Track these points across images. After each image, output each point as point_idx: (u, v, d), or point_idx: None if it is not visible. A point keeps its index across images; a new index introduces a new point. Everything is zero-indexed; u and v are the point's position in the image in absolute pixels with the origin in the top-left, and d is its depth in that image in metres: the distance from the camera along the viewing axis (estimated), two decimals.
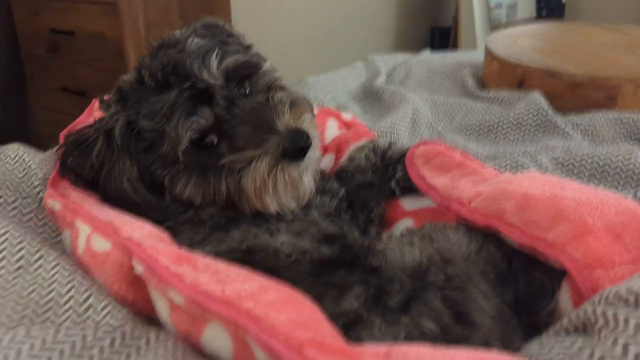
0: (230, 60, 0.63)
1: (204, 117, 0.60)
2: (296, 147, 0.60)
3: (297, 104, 0.65)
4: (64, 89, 2.18)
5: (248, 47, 0.72)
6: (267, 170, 0.60)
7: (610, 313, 0.40)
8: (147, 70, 0.62)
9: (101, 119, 0.64)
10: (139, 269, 0.46)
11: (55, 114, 2.26)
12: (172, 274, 0.43)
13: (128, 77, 0.66)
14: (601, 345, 0.38)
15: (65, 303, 0.48)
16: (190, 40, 0.65)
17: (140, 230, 0.53)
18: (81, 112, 0.81)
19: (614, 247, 0.53)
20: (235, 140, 0.61)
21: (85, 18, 1.99)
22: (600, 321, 0.40)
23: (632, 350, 0.36)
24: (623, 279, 0.50)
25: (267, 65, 0.69)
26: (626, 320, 0.38)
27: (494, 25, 3.15)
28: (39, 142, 0.77)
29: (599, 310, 0.41)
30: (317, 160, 0.67)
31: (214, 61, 0.62)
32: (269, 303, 0.40)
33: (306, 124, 0.64)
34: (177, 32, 0.68)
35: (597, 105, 1.11)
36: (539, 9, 3.27)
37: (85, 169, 0.63)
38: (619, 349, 0.37)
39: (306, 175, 0.64)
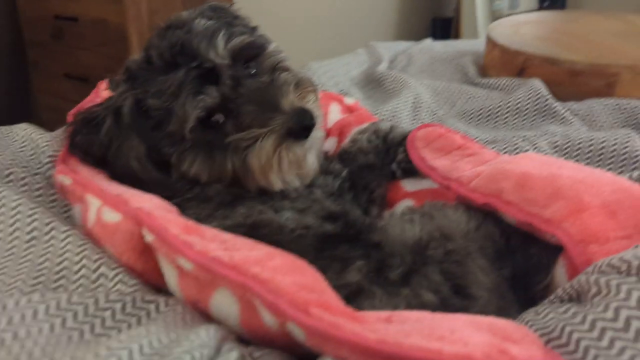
0: (237, 41, 0.64)
1: (210, 96, 0.61)
2: (301, 126, 0.62)
3: (302, 84, 0.66)
4: (67, 75, 2.19)
5: (254, 29, 0.73)
6: (273, 148, 0.62)
7: (603, 280, 0.42)
8: (155, 50, 0.64)
9: (110, 98, 0.66)
10: (149, 237, 0.48)
11: (58, 100, 2.27)
12: (181, 242, 0.45)
13: (136, 57, 0.67)
14: (594, 310, 0.40)
15: (78, 272, 0.50)
16: (197, 21, 0.66)
17: (150, 202, 0.54)
18: (84, 98, 0.82)
19: (609, 223, 0.55)
20: (241, 119, 0.62)
21: (88, 4, 2.00)
22: (594, 289, 0.42)
23: (624, 313, 0.38)
24: (617, 253, 0.52)
25: (272, 47, 0.70)
26: (618, 287, 0.40)
27: (496, 16, 3.14)
28: (42, 128, 0.78)
29: (592, 279, 0.43)
30: (320, 140, 0.69)
31: (220, 41, 0.63)
32: (275, 268, 0.42)
33: (311, 103, 0.65)
34: (184, 14, 0.69)
35: (597, 92, 1.13)
36: (541, 0, 3.26)
37: (94, 147, 0.65)
38: (610, 313, 0.38)
39: (310, 154, 0.66)
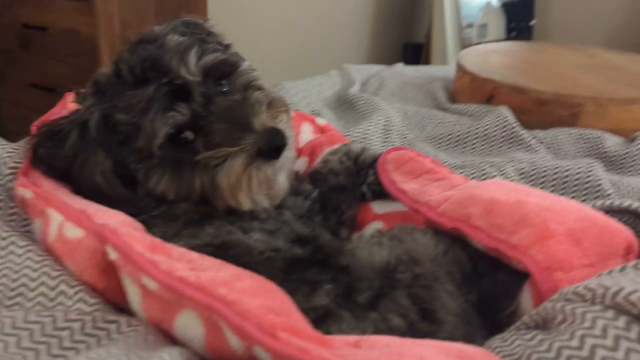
0: (209, 58, 0.63)
1: (180, 113, 0.60)
2: (272, 146, 0.61)
3: (274, 104, 0.66)
4: (33, 85, 2.14)
5: (227, 46, 0.72)
6: (242, 167, 0.61)
7: (568, 308, 0.42)
8: (126, 64, 0.62)
9: (76, 111, 0.64)
10: (113, 255, 0.46)
11: (24, 110, 2.22)
12: (146, 260, 0.44)
13: (106, 70, 0.66)
14: (559, 338, 0.40)
15: (36, 289, 0.48)
16: (169, 36, 0.65)
17: (115, 218, 0.53)
18: (50, 109, 0.79)
19: (574, 251, 0.56)
20: (211, 137, 0.61)
21: (59, 14, 1.97)
22: (559, 316, 0.42)
23: (589, 342, 0.38)
24: (581, 281, 0.52)
25: (245, 65, 0.70)
26: (583, 315, 0.40)
27: (465, 44, 3.22)
28: (6, 139, 0.75)
29: (558, 306, 0.43)
30: (292, 160, 0.68)
31: (192, 58, 0.62)
32: (243, 290, 0.41)
33: (283, 123, 0.65)
34: (157, 28, 0.68)
35: (561, 122, 1.16)
36: (508, 31, 3.36)
37: (58, 160, 0.63)
38: (575, 341, 0.39)
39: (281, 174, 0.65)
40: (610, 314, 0.40)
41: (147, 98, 0.60)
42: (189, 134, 0.62)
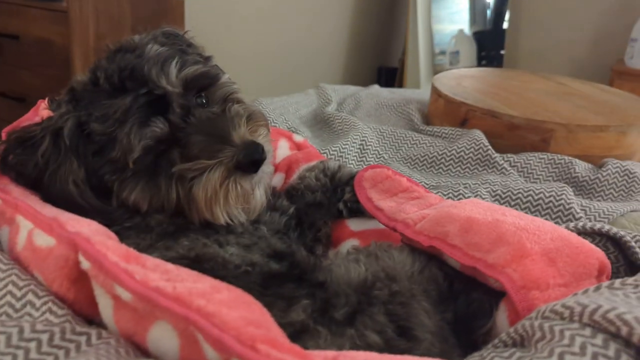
0: (190, 70, 0.63)
1: (158, 127, 0.59)
2: (250, 159, 0.60)
3: (254, 118, 0.65)
4: (2, 94, 2.09)
5: (207, 58, 0.72)
6: (220, 180, 0.60)
7: (547, 326, 0.42)
8: (103, 73, 0.61)
9: (50, 118, 0.62)
10: (86, 264, 0.45)
11: None
12: (121, 270, 0.42)
13: (82, 78, 0.64)
14: (538, 355, 0.40)
15: (1, 298, 0.46)
16: (149, 46, 0.64)
17: (88, 227, 0.51)
18: (18, 118, 0.77)
19: (549, 270, 0.56)
20: (189, 149, 0.60)
21: (32, 23, 1.94)
22: (538, 334, 0.43)
23: (568, 359, 0.38)
24: (556, 300, 0.53)
25: (225, 78, 0.69)
26: (561, 332, 0.41)
27: (437, 70, 3.29)
28: None
29: (536, 324, 0.44)
30: (269, 175, 0.68)
31: (173, 69, 0.61)
32: (221, 301, 0.40)
33: (262, 137, 0.64)
34: (137, 37, 0.67)
35: (533, 146, 1.19)
36: (479, 59, 3.45)
37: (29, 168, 0.60)
38: (555, 358, 0.39)
39: (258, 188, 0.65)
40: (588, 331, 0.40)
41: (124, 108, 0.58)
42: (165, 145, 0.61)
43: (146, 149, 0.59)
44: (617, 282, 0.49)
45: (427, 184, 1.00)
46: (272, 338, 0.36)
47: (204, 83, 0.66)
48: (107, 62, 0.63)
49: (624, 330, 0.39)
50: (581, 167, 1.08)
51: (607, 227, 0.68)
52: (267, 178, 0.67)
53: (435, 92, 1.40)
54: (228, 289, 0.43)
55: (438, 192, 0.93)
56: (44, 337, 0.40)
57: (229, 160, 0.59)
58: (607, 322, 0.40)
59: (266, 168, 0.64)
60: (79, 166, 0.60)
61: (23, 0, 1.95)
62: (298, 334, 0.48)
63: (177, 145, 0.61)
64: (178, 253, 0.57)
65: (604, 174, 1.04)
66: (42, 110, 0.77)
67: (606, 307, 0.41)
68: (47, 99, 0.80)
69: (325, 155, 1.03)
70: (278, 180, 0.87)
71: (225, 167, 0.60)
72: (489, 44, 3.42)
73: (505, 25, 3.38)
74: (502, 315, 0.56)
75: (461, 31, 3.43)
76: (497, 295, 0.58)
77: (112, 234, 0.55)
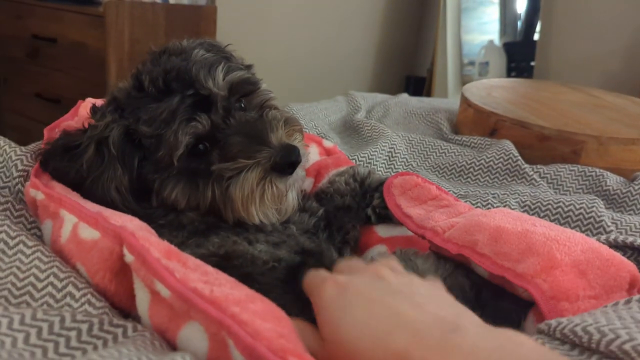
0: (236, 75, 0.65)
1: (202, 123, 0.61)
2: (287, 161, 0.62)
3: (290, 122, 0.67)
4: (37, 95, 2.16)
5: (248, 67, 0.74)
6: (257, 180, 0.61)
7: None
8: (148, 76, 0.63)
9: (94, 127, 0.64)
10: (129, 258, 0.46)
11: (26, 120, 2.23)
12: (163, 267, 0.44)
13: (123, 85, 0.66)
14: None
15: (43, 289, 0.47)
16: (196, 51, 0.67)
17: (132, 222, 0.53)
18: (53, 120, 0.79)
19: (579, 282, 0.56)
20: (227, 149, 0.62)
21: (69, 27, 2.00)
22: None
23: None
24: (585, 312, 0.53)
25: (263, 86, 0.72)
26: None
27: (465, 80, 3.28)
28: None
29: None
30: (302, 178, 0.69)
31: (220, 73, 0.63)
32: (255, 312, 0.41)
33: (297, 141, 0.66)
34: (184, 42, 0.70)
35: (563, 158, 1.17)
36: (509, 70, 3.42)
37: (71, 174, 0.63)
38: None
39: (292, 190, 0.66)
40: None
41: (171, 109, 0.60)
42: (205, 145, 0.63)
43: (189, 145, 0.61)
44: None
45: (456, 193, 1.00)
46: (302, 354, 0.37)
47: (247, 89, 0.68)
48: (151, 65, 0.65)
49: None
50: (612, 180, 1.06)
51: (639, 240, 0.67)
52: (300, 181, 0.69)
53: (465, 101, 1.40)
54: (262, 301, 0.44)
55: (466, 201, 0.92)
56: (84, 327, 0.42)
57: (266, 161, 0.61)
58: (622, 353, 0.40)
59: (300, 171, 0.66)
60: (124, 174, 0.62)
61: (61, 5, 2.02)
62: None
63: (217, 146, 0.63)
64: (208, 250, 0.58)
65: (636, 187, 1.03)
66: (81, 110, 0.80)
67: (624, 338, 0.41)
68: (85, 101, 0.83)
69: (354, 161, 1.03)
70: (307, 184, 0.88)
71: (263, 168, 0.61)
72: (519, 55, 3.39)
73: (536, 36, 3.35)
74: (530, 326, 0.56)
75: (491, 42, 3.41)
76: (525, 305, 0.58)
77: (153, 230, 0.56)
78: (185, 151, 0.61)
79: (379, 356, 0.36)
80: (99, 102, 0.73)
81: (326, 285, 0.43)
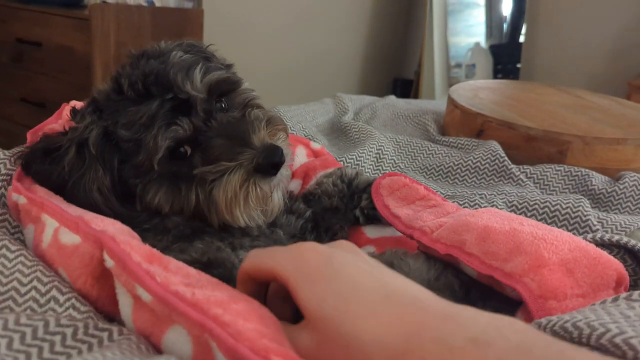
0: (214, 75, 0.64)
1: (182, 127, 0.60)
2: (270, 162, 0.61)
3: (273, 122, 0.66)
4: (23, 99, 2.13)
5: (229, 66, 0.73)
6: (240, 182, 0.60)
7: None
8: (127, 80, 0.62)
9: (74, 129, 0.63)
10: (110, 262, 0.46)
11: (11, 124, 2.20)
12: (143, 271, 0.43)
13: (103, 87, 0.65)
14: None
15: (26, 293, 0.47)
16: (174, 53, 0.65)
17: (113, 226, 0.52)
18: (38, 123, 0.78)
19: (567, 280, 0.56)
20: (209, 152, 0.61)
21: (54, 30, 1.98)
22: None
23: None
24: (573, 310, 0.53)
25: (245, 85, 0.71)
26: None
27: (452, 82, 3.30)
28: None
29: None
30: (287, 178, 0.68)
31: (197, 74, 0.62)
32: (238, 312, 0.40)
33: (281, 141, 0.65)
34: (162, 44, 0.69)
35: (549, 158, 1.18)
36: (495, 72, 3.45)
37: (53, 177, 0.62)
38: None
39: (277, 191, 0.65)
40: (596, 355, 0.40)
41: (150, 113, 0.59)
42: (187, 148, 0.62)
43: (170, 149, 0.60)
44: (636, 294, 0.49)
45: (443, 194, 1.00)
46: (285, 352, 0.37)
47: (226, 88, 0.67)
48: (130, 68, 0.64)
49: (630, 354, 0.39)
50: (598, 180, 1.07)
51: (625, 239, 0.68)
52: (285, 181, 0.68)
53: (452, 103, 1.40)
54: (245, 300, 0.43)
55: (454, 201, 0.93)
56: (69, 332, 0.41)
57: (248, 163, 0.60)
58: (613, 346, 0.40)
59: (284, 171, 0.65)
60: (105, 174, 0.61)
61: (46, 8, 2.00)
62: None
63: (199, 149, 0.62)
64: (191, 257, 0.57)
65: (621, 186, 1.04)
66: (65, 113, 0.79)
67: (614, 332, 0.41)
68: (69, 105, 0.82)
69: (342, 163, 1.03)
70: (295, 186, 0.88)
71: (245, 170, 0.60)
72: (505, 57, 3.43)
73: (521, 38, 3.38)
74: None
75: (477, 44, 3.44)
76: (513, 304, 0.58)
77: (135, 234, 0.56)
78: (165, 155, 0.60)
79: (372, 328, 0.35)
80: (81, 104, 0.72)
81: (308, 255, 0.41)
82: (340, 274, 0.39)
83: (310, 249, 0.42)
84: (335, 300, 0.37)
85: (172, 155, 0.61)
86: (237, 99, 0.68)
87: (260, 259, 0.44)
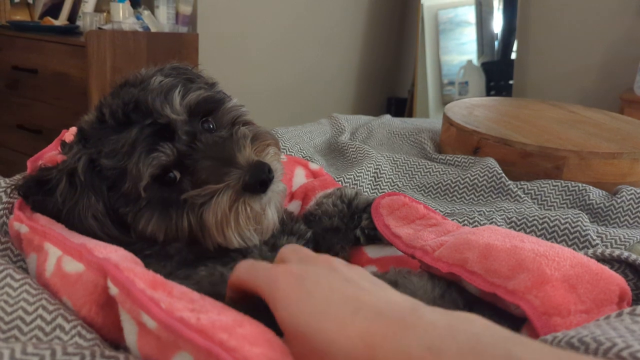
0: (193, 96, 0.63)
1: (165, 153, 0.59)
2: (257, 180, 0.60)
3: (260, 137, 0.65)
4: (19, 126, 2.14)
5: (212, 85, 0.73)
6: (229, 204, 0.60)
7: None
8: (108, 109, 0.62)
9: (64, 161, 0.63)
10: (114, 290, 0.45)
11: (8, 152, 2.20)
12: (148, 298, 0.43)
13: (89, 117, 0.65)
14: None
15: (32, 322, 0.46)
16: (154, 78, 0.65)
17: (116, 253, 0.52)
18: (36, 151, 0.79)
19: (570, 296, 0.56)
20: (197, 175, 0.60)
21: (50, 57, 1.99)
22: None
23: None
24: (577, 326, 0.53)
25: (232, 102, 0.70)
26: None
27: (446, 100, 3.33)
28: None
29: None
30: (281, 193, 0.67)
31: (176, 97, 0.62)
32: (244, 336, 0.40)
33: (269, 157, 0.64)
34: (143, 71, 0.68)
35: (546, 174, 1.19)
36: (488, 89, 3.48)
37: (48, 208, 0.62)
38: None
39: (269, 208, 0.64)
40: None
41: (130, 141, 0.59)
42: (175, 174, 0.61)
43: (155, 176, 0.59)
44: (639, 309, 0.50)
45: (442, 212, 1.01)
46: None
47: (209, 108, 0.66)
48: (111, 98, 0.64)
49: None
50: (595, 194, 1.08)
51: (626, 253, 0.68)
52: (279, 197, 0.66)
53: (447, 121, 1.41)
54: (250, 324, 0.43)
55: (453, 219, 0.93)
56: None
57: (235, 183, 0.59)
58: (619, 359, 0.41)
59: (275, 187, 0.64)
60: (97, 200, 0.61)
61: (42, 35, 2.01)
62: None
63: (186, 172, 0.61)
64: (196, 286, 0.57)
65: (619, 200, 1.04)
66: (66, 139, 0.79)
67: (620, 346, 0.41)
68: (69, 131, 0.82)
69: (340, 183, 1.04)
70: (295, 207, 0.88)
71: (233, 190, 0.59)
72: (498, 75, 3.46)
73: (513, 55, 3.42)
74: None
75: (469, 62, 3.48)
76: (517, 321, 0.58)
77: (139, 260, 0.55)
78: (149, 182, 0.59)
79: (342, 342, 0.36)
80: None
81: (281, 278, 0.43)
82: (312, 294, 0.41)
83: (282, 272, 0.44)
84: (307, 319, 0.39)
85: (161, 182, 0.60)
86: (225, 117, 0.67)
87: (246, 274, 0.47)
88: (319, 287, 0.41)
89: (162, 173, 0.60)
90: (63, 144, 0.66)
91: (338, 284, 0.42)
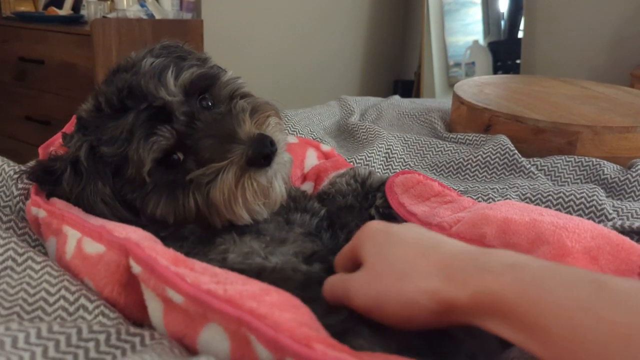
0: (187, 74, 0.62)
1: (164, 136, 0.58)
2: (260, 153, 0.59)
3: (259, 109, 0.64)
4: (28, 117, 2.14)
5: (205, 60, 0.71)
6: (235, 180, 0.59)
7: None
8: (104, 97, 0.61)
9: (66, 153, 0.63)
10: (137, 269, 0.45)
11: (17, 143, 2.21)
12: (173, 273, 0.43)
13: (86, 105, 0.65)
14: None
15: (54, 303, 0.47)
16: (145, 61, 0.63)
17: (136, 233, 0.52)
18: (44, 141, 0.78)
19: (592, 268, 0.56)
20: (200, 154, 0.59)
21: (56, 47, 1.99)
22: None
23: None
24: None
25: (227, 75, 0.68)
26: None
27: (452, 82, 3.30)
28: None
29: None
30: (287, 164, 0.65)
31: (170, 78, 0.60)
32: (272, 304, 0.40)
33: (270, 128, 0.63)
34: (133, 54, 0.67)
35: (559, 150, 1.18)
36: (495, 69, 3.45)
37: (60, 196, 0.62)
38: None
39: (276, 180, 0.63)
40: None
41: (128, 127, 0.58)
42: (179, 155, 0.60)
43: (157, 160, 0.59)
44: None
45: (456, 190, 1.00)
46: (326, 338, 0.37)
47: (204, 84, 0.65)
48: (105, 85, 0.63)
49: None
50: (610, 169, 1.07)
51: None
52: (285, 167, 0.65)
53: (458, 99, 1.40)
54: (277, 292, 0.43)
55: (468, 197, 0.92)
56: (102, 337, 0.41)
57: (239, 159, 0.58)
58: None
59: (280, 158, 0.62)
60: (104, 184, 0.60)
61: (47, 26, 2.01)
62: (340, 336, 0.48)
63: (189, 152, 0.60)
64: (216, 259, 0.57)
65: (634, 174, 1.03)
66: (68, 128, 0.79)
67: None
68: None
69: (352, 164, 1.03)
70: (308, 188, 0.87)
71: (238, 166, 0.59)
72: (504, 54, 3.42)
73: (520, 34, 3.38)
74: None
75: (476, 42, 3.44)
76: None
77: (158, 240, 0.55)
78: (153, 166, 0.59)
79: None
80: None
81: (372, 225, 0.50)
82: (392, 237, 0.48)
83: (374, 222, 0.51)
84: (386, 252, 0.46)
85: (165, 165, 0.60)
86: (222, 92, 0.66)
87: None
88: (399, 232, 0.49)
89: (165, 156, 0.59)
90: (64, 135, 0.66)
91: (412, 234, 0.49)
